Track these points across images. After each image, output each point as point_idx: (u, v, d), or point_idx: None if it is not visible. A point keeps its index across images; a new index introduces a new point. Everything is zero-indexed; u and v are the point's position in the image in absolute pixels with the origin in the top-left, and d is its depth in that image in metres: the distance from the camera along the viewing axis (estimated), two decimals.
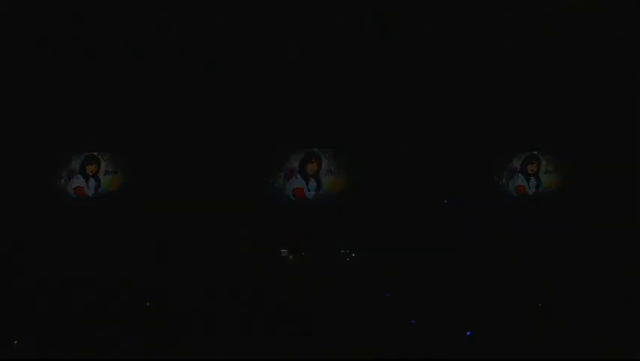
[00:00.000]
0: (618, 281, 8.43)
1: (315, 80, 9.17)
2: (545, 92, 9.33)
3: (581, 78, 9.25)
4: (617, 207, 9.17)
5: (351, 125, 9.18)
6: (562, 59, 9.27)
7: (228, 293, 8.26)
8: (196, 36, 9.01)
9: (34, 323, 7.65)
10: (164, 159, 8.95)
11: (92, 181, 8.92)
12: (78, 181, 8.87)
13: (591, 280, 8.49)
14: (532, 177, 9.44)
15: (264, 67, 9.10)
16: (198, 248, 8.84)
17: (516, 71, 9.32)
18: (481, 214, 9.25)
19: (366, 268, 8.91)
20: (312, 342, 7.62)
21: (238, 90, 9.08)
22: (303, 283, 8.55)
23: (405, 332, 7.87)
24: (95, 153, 8.93)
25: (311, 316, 7.98)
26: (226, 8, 9.02)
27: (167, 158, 8.96)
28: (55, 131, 8.79)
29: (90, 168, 8.91)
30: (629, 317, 7.85)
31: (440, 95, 9.27)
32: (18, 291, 8.03)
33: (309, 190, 9.18)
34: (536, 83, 9.32)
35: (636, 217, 9.02)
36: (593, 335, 7.62)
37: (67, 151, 8.89)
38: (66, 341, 7.43)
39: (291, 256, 9.08)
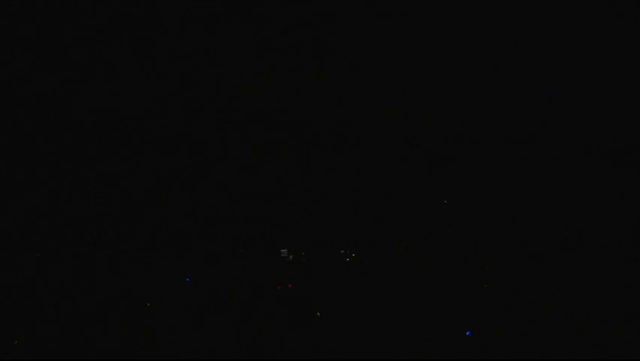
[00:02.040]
0: (618, 281, 8.43)
1: (314, 80, 9.18)
2: (545, 92, 9.33)
3: (580, 78, 9.25)
4: (617, 207, 9.17)
5: (350, 125, 9.20)
6: (561, 58, 9.27)
7: (228, 293, 8.27)
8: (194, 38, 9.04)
9: (33, 323, 7.66)
10: (162, 157, 8.96)
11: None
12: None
13: (591, 279, 8.49)
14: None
15: (262, 67, 9.11)
16: (197, 248, 8.84)
17: (515, 71, 9.32)
18: (482, 214, 9.26)
19: (366, 268, 8.91)
20: (311, 342, 7.63)
21: (237, 90, 9.10)
22: (302, 283, 8.56)
23: (405, 332, 7.88)
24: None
25: (311, 316, 7.99)
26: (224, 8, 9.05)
27: (165, 156, 8.97)
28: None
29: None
30: (629, 317, 7.85)
31: (440, 95, 9.28)
32: (18, 291, 8.05)
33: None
34: (536, 83, 9.32)
35: (636, 217, 9.01)
36: (594, 335, 7.62)
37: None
38: (66, 341, 7.43)
39: (291, 256, 9.07)
